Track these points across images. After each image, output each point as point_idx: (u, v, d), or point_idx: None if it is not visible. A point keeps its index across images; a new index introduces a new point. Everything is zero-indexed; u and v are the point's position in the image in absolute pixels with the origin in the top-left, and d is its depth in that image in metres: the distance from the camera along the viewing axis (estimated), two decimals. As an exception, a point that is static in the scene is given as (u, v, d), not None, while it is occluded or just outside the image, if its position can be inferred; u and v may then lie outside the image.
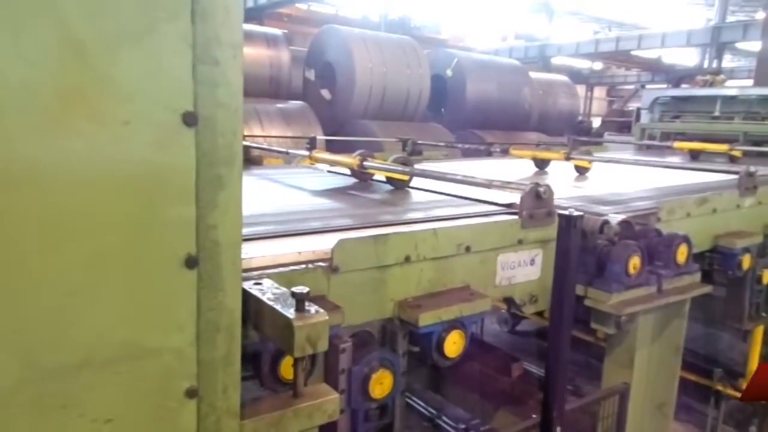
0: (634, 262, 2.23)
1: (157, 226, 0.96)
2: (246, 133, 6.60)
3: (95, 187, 0.91)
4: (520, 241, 2.10)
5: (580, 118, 14.38)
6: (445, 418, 4.13)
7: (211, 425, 1.06)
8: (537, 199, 2.14)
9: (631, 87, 24.11)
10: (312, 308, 1.24)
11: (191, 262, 1.00)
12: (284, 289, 1.33)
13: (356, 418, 1.67)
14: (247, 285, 1.39)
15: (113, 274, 0.94)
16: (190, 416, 1.04)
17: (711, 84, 8.53)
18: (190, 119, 0.96)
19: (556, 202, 2.21)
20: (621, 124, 15.23)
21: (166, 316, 1.00)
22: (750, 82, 13.82)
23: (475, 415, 3.97)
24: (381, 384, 1.66)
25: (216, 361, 1.06)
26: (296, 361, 1.29)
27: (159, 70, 0.93)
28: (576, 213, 1.88)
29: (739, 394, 3.95)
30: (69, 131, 0.88)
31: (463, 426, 4.04)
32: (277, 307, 1.25)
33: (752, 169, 3.17)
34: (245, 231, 1.87)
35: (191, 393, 1.04)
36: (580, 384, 4.51)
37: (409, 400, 4.35)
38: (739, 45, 17.68)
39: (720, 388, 3.87)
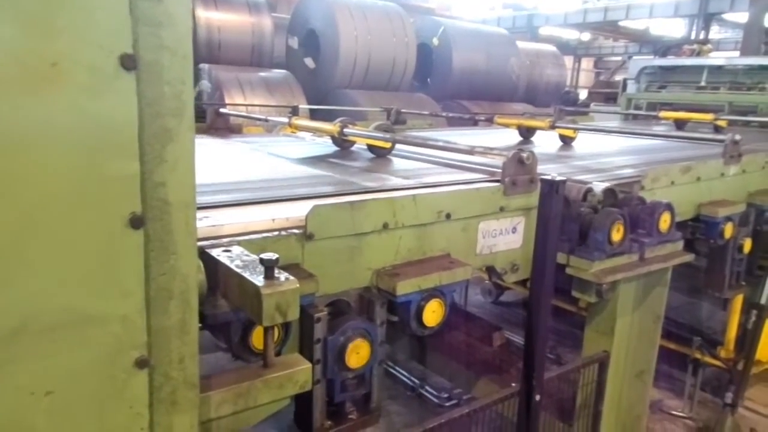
0: (617, 229, 2.20)
1: (96, 182, 0.88)
2: (228, 102, 6.43)
3: (22, 139, 0.82)
4: (501, 209, 2.05)
5: (566, 89, 14.25)
6: (428, 388, 4.19)
7: (166, 396, 1.00)
8: (520, 166, 2.08)
9: (619, 59, 23.96)
10: (282, 276, 1.19)
11: (136, 222, 0.93)
12: (254, 256, 1.28)
13: (332, 388, 1.64)
14: (216, 252, 1.34)
15: (48, 233, 0.86)
16: (140, 387, 0.98)
17: (698, 53, 8.46)
18: (128, 62, 0.87)
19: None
20: (607, 95, 15.17)
21: (110, 280, 0.92)
22: (736, 53, 13.79)
23: (457, 384, 4.01)
24: (358, 353, 1.63)
25: (169, 329, 1.00)
26: (266, 330, 1.24)
27: (88, 2, 0.82)
28: (559, 178, 1.83)
29: (716, 362, 4.01)
30: None
31: (445, 395, 4.10)
32: (246, 274, 1.21)
33: (737, 137, 3.14)
34: (217, 198, 1.82)
35: (141, 363, 0.98)
36: (562, 353, 4.58)
37: (392, 371, 4.39)
38: (727, 16, 17.58)
39: (698, 356, 3.93)
